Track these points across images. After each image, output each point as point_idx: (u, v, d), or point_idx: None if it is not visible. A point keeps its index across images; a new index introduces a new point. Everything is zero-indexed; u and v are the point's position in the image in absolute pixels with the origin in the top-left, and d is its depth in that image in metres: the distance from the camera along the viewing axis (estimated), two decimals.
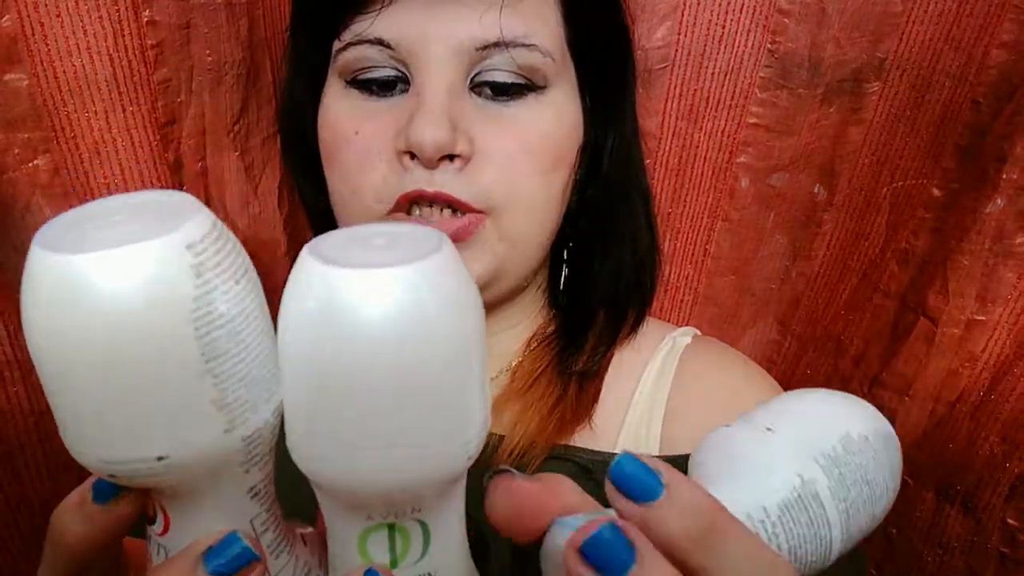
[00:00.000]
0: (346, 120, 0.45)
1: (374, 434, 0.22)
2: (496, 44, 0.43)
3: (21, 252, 0.55)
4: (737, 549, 0.23)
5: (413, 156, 0.43)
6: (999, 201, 0.57)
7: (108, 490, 0.24)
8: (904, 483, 0.66)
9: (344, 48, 0.45)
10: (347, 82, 0.45)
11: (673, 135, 0.67)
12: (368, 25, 0.43)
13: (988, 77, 0.59)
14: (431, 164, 0.42)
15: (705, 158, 0.68)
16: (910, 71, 0.62)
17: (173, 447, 0.22)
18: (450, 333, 0.23)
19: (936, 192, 0.63)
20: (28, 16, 0.50)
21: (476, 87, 0.44)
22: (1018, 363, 0.58)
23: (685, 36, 0.63)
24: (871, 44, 0.62)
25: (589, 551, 0.22)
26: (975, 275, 0.59)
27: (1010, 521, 0.59)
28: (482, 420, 0.25)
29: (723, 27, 0.63)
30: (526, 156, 0.45)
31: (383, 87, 0.45)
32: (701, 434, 0.51)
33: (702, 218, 0.71)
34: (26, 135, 0.53)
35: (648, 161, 0.68)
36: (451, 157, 0.43)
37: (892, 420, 0.65)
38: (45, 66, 0.51)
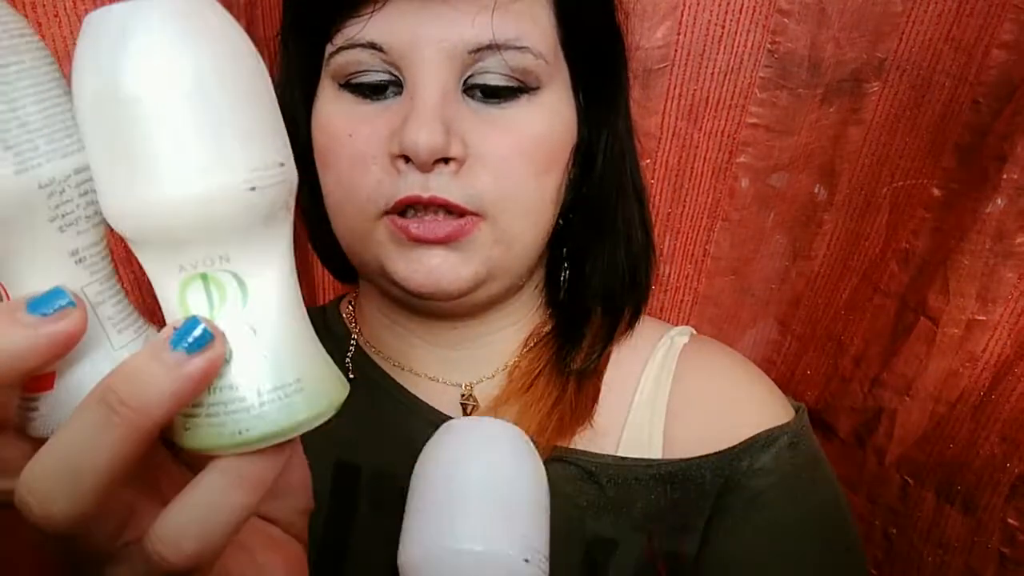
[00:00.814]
0: (339, 123, 0.45)
1: (153, 165, 0.24)
2: (488, 47, 0.42)
3: None
4: None
5: (407, 159, 0.42)
6: (999, 201, 0.57)
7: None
8: (904, 483, 0.66)
9: (336, 52, 0.44)
10: (340, 85, 0.45)
11: (673, 135, 0.67)
12: (360, 29, 0.43)
13: (988, 77, 0.59)
14: (425, 168, 0.42)
15: (705, 158, 0.68)
16: (910, 71, 0.62)
17: None
18: (202, 62, 0.25)
19: (936, 192, 0.63)
20: (26, 16, 0.49)
21: (469, 89, 0.44)
22: (1018, 363, 0.58)
23: (685, 36, 0.63)
24: (871, 44, 0.62)
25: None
26: (975, 275, 0.59)
27: (1010, 521, 0.59)
28: (267, 159, 0.26)
29: (723, 27, 0.63)
30: (520, 157, 0.44)
31: (376, 90, 0.45)
32: (702, 435, 0.51)
33: (702, 218, 0.71)
34: None
35: (647, 161, 0.68)
36: (445, 160, 0.43)
37: (892, 420, 0.66)
38: None
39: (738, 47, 0.63)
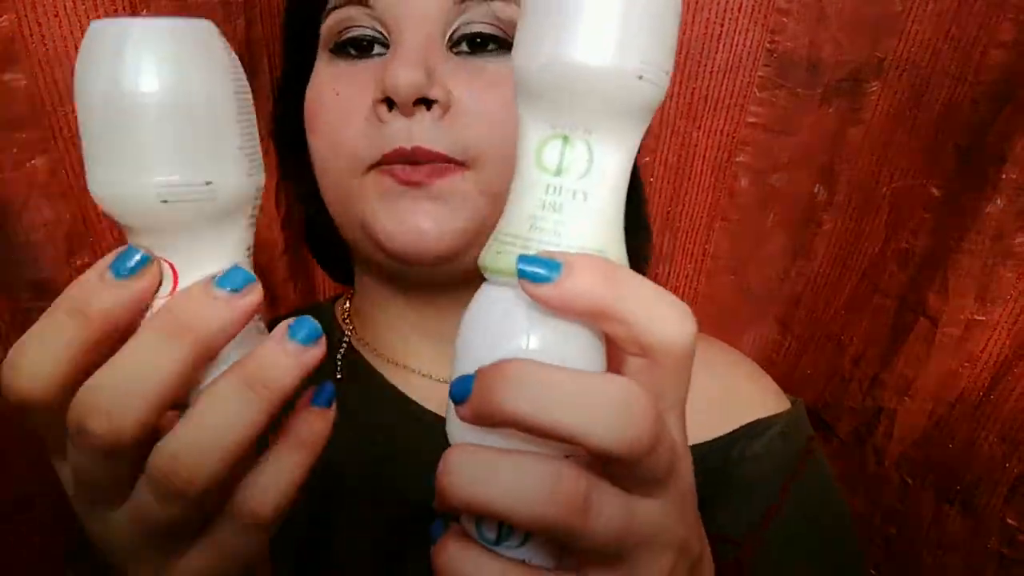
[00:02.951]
0: (327, 83, 0.46)
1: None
2: None
3: (19, 251, 0.55)
4: (641, 286, 0.27)
5: (390, 107, 0.42)
6: (999, 201, 0.57)
7: (128, 266, 0.27)
8: (904, 483, 0.66)
9: (328, 14, 0.45)
10: (331, 51, 0.46)
11: (672, 134, 0.67)
12: None
13: (988, 77, 0.59)
14: (407, 111, 0.42)
15: (704, 157, 0.68)
16: (910, 71, 0.62)
17: (215, 175, 0.28)
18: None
19: (936, 192, 0.63)
20: (26, 16, 0.50)
21: (455, 44, 0.44)
22: (1018, 363, 0.58)
23: (684, 35, 0.63)
24: (870, 44, 0.62)
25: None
26: (975, 275, 0.59)
27: (1010, 521, 0.59)
28: (659, 61, 0.29)
29: (722, 26, 0.63)
30: (505, 109, 0.44)
31: (363, 48, 0.45)
32: (694, 424, 0.51)
33: (702, 217, 0.71)
34: (24, 135, 0.52)
35: (647, 160, 0.68)
36: (428, 105, 0.42)
37: (892, 420, 0.66)
38: (43, 66, 0.51)
39: (737, 46, 0.63)
